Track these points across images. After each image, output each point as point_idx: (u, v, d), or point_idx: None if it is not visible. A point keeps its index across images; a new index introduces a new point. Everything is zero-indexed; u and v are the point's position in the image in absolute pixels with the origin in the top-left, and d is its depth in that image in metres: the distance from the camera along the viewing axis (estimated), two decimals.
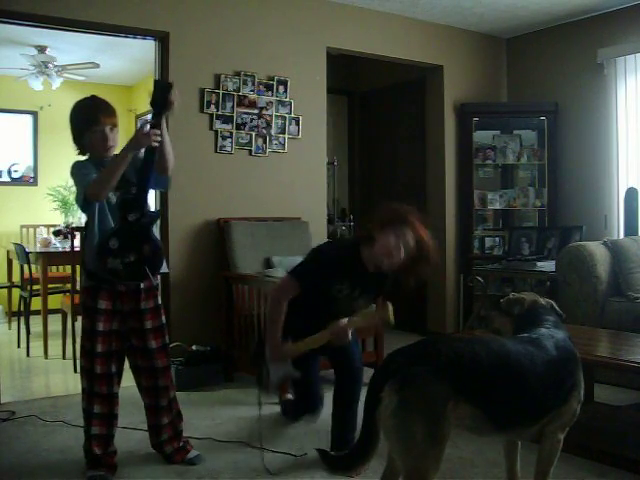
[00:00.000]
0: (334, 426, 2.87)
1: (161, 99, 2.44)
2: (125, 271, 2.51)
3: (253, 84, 4.56)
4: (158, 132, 2.46)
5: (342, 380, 2.87)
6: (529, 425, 2.09)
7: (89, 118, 2.60)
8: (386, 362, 1.93)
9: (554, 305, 2.36)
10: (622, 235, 4.80)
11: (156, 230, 2.64)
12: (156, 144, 2.47)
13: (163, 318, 2.75)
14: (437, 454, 1.86)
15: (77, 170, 2.58)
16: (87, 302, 2.64)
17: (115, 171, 2.46)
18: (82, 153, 2.66)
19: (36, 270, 5.30)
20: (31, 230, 6.70)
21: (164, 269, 2.69)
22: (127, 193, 2.56)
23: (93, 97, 2.76)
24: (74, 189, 2.62)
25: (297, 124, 4.75)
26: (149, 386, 2.72)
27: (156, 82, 2.53)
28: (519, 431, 2.12)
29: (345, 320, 2.67)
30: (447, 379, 1.83)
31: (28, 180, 7.19)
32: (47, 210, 6.79)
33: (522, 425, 2.08)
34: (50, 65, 6.17)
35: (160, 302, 2.77)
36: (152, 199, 4.17)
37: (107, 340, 2.61)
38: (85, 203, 2.54)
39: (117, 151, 2.58)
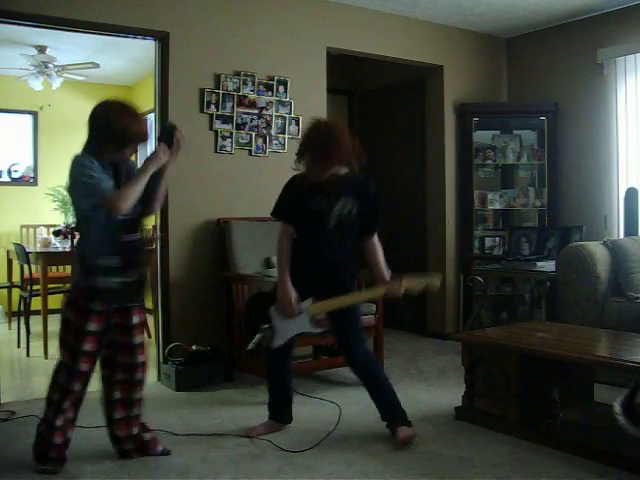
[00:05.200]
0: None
1: (168, 138, 2.68)
2: (123, 290, 2.60)
3: (253, 84, 4.56)
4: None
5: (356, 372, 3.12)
6: None
7: (140, 137, 2.63)
8: None
9: None
10: (622, 235, 4.80)
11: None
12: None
13: (145, 314, 2.83)
14: None
15: (82, 169, 2.53)
16: (80, 301, 2.63)
17: (140, 187, 2.54)
18: (93, 151, 2.60)
19: (36, 270, 5.31)
20: (31, 230, 6.70)
21: None
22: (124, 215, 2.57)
23: (136, 112, 2.66)
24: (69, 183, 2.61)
25: (297, 124, 4.75)
26: (126, 379, 2.75)
27: (164, 124, 2.91)
28: None
29: (398, 280, 2.90)
30: None
31: (28, 180, 7.19)
32: (47, 210, 6.79)
33: None
34: (50, 65, 6.17)
35: (144, 319, 2.84)
36: None
37: (96, 340, 2.64)
38: (97, 207, 2.54)
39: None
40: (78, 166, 2.53)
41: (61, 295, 5.20)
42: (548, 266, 4.54)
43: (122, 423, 2.78)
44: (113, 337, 2.72)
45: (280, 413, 3.19)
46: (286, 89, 4.70)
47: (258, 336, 2.99)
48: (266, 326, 2.98)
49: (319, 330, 2.99)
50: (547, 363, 3.11)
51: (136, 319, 2.73)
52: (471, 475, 2.66)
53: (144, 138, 2.64)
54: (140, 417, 2.83)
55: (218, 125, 4.42)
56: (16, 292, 5.62)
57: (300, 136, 3.18)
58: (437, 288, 2.99)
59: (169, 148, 2.64)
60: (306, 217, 2.98)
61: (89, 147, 2.60)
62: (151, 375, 3.78)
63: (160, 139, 2.68)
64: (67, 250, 5.00)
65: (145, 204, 2.67)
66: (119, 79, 7.29)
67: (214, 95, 4.40)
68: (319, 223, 2.96)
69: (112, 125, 2.53)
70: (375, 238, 3.08)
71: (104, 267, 2.55)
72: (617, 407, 2.66)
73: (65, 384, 2.64)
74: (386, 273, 3.02)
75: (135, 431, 2.80)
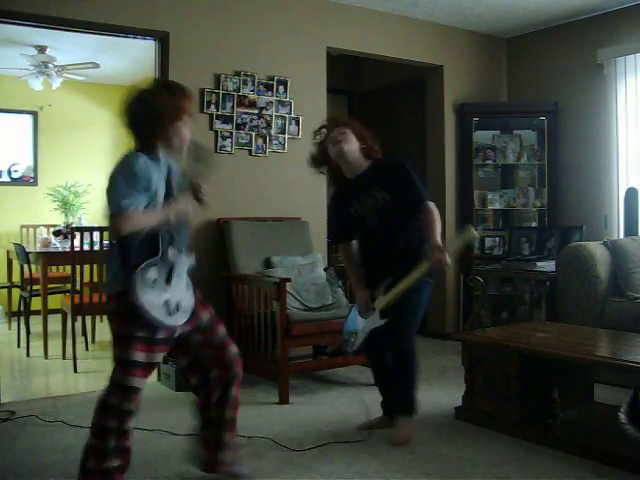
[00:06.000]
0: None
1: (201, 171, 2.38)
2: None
3: (253, 84, 4.56)
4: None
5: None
6: None
7: (181, 106, 2.31)
8: None
9: None
10: (622, 235, 4.80)
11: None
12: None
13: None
14: None
15: (134, 170, 2.21)
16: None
17: (151, 221, 2.23)
18: (143, 148, 2.30)
19: (36, 270, 5.31)
20: (31, 230, 6.70)
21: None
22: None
23: (172, 86, 2.41)
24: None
25: (297, 124, 4.75)
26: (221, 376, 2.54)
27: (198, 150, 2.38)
28: None
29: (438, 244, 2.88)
30: None
31: (28, 180, 7.18)
32: (47, 210, 6.78)
33: None
34: (50, 65, 6.17)
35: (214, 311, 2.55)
36: None
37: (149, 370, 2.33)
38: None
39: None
40: (124, 167, 2.24)
41: (61, 295, 5.21)
42: (548, 266, 4.54)
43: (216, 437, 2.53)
44: (194, 342, 2.47)
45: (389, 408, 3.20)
46: (286, 89, 4.70)
47: (340, 340, 3.12)
48: (352, 332, 3.09)
49: (383, 322, 2.99)
50: (547, 363, 3.11)
51: (204, 318, 2.48)
52: (471, 475, 2.65)
53: (186, 112, 2.31)
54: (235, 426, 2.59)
55: (218, 125, 4.42)
56: (16, 292, 5.62)
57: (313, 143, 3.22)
58: (476, 238, 3.26)
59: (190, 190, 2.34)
60: (353, 225, 3.12)
61: (137, 144, 2.33)
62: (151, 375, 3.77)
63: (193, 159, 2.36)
64: (67, 250, 4.98)
65: None
66: (119, 79, 7.29)
67: (214, 95, 4.40)
68: (364, 226, 3.06)
69: (150, 102, 2.29)
70: (428, 206, 3.01)
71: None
72: (622, 417, 2.66)
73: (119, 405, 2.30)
74: (439, 242, 2.91)
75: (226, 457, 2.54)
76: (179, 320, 2.32)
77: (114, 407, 2.24)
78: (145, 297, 2.19)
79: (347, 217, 3.11)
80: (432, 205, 3.03)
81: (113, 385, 2.27)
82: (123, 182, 2.19)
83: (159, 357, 2.37)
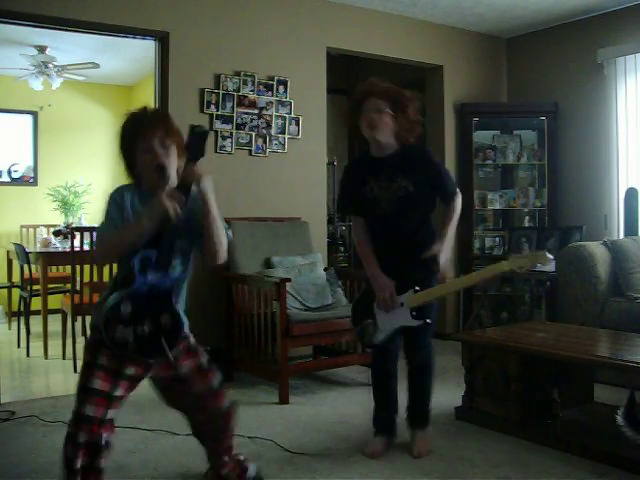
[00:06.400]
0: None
1: (198, 147, 2.16)
2: (136, 344, 2.06)
3: (253, 84, 4.56)
4: (182, 199, 2.08)
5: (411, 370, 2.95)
6: None
7: (133, 132, 2.12)
8: None
9: None
10: (622, 235, 4.80)
11: (183, 293, 2.25)
12: (173, 215, 2.05)
13: (216, 379, 2.39)
14: None
15: (110, 201, 2.13)
16: (85, 355, 2.18)
17: (124, 237, 2.07)
18: (139, 182, 2.18)
19: (36, 270, 5.31)
20: (31, 230, 6.70)
21: (188, 328, 2.31)
22: (152, 248, 2.08)
23: (143, 109, 2.20)
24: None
25: (297, 124, 4.75)
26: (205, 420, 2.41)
27: (193, 129, 2.15)
28: None
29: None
30: None
31: (28, 180, 7.18)
32: (47, 210, 6.79)
33: None
34: (50, 65, 6.17)
35: (206, 362, 2.40)
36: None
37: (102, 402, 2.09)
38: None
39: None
40: (108, 199, 2.15)
41: (61, 295, 5.21)
42: (548, 266, 4.54)
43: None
44: (169, 387, 2.34)
45: (389, 425, 2.95)
46: (286, 89, 4.70)
47: (357, 329, 2.85)
48: (369, 321, 2.81)
49: (418, 323, 2.74)
50: (547, 363, 3.11)
51: (186, 366, 2.30)
52: (471, 475, 2.65)
53: (160, 168, 2.10)
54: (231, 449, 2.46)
55: (218, 125, 4.42)
56: (16, 292, 5.62)
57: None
58: (548, 262, 2.54)
59: (197, 160, 2.14)
60: (363, 205, 2.84)
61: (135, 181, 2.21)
62: None
63: (187, 148, 2.14)
64: (67, 250, 4.99)
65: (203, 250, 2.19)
66: (119, 79, 7.29)
67: (214, 95, 4.40)
68: (375, 212, 2.80)
69: (120, 147, 2.15)
70: (451, 205, 2.80)
71: (114, 314, 2.06)
72: (620, 419, 2.66)
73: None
74: (437, 248, 2.72)
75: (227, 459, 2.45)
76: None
77: None
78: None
79: (360, 195, 2.82)
80: (457, 206, 2.81)
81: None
82: (105, 210, 2.14)
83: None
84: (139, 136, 2.11)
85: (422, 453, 2.84)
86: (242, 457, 2.50)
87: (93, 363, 2.10)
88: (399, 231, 2.79)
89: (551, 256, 2.54)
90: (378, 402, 2.99)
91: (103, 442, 2.08)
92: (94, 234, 4.53)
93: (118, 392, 2.11)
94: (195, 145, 2.14)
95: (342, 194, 2.97)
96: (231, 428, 2.41)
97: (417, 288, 2.74)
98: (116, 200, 2.14)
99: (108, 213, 2.13)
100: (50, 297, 5.08)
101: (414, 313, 2.74)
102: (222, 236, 2.18)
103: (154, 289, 2.08)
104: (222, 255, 2.18)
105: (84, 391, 2.08)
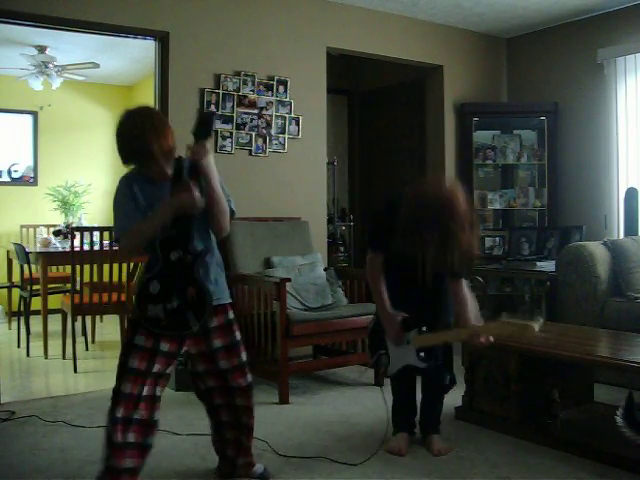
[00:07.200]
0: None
1: (205, 130, 2.29)
2: (167, 319, 2.24)
3: (253, 84, 4.56)
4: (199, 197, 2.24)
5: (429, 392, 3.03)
6: None
7: (139, 149, 2.22)
8: None
9: None
10: (622, 235, 4.80)
11: (212, 267, 2.38)
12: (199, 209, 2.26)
13: (243, 355, 2.48)
14: None
15: (118, 195, 2.31)
16: (127, 334, 2.37)
17: (148, 228, 2.25)
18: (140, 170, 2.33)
19: (36, 270, 5.31)
20: (31, 230, 6.70)
21: (227, 300, 2.45)
22: (171, 228, 2.26)
23: (139, 111, 2.30)
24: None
25: (297, 124, 4.75)
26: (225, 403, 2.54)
27: (201, 112, 2.34)
28: None
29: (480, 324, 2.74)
30: None
31: (28, 180, 7.18)
32: (47, 210, 6.79)
33: None
34: (50, 65, 6.17)
35: (239, 338, 2.47)
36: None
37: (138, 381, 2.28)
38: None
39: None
40: (115, 193, 2.32)
41: (61, 295, 5.21)
42: (548, 266, 4.54)
43: (233, 445, 2.56)
44: (197, 367, 2.47)
45: (408, 424, 3.04)
46: (286, 89, 4.70)
47: (373, 360, 2.93)
48: (383, 352, 2.88)
49: (424, 365, 2.76)
50: (547, 363, 3.11)
51: (218, 343, 2.41)
52: (471, 475, 2.65)
53: (150, 154, 2.20)
54: (249, 449, 2.57)
55: (218, 125, 4.41)
56: (16, 292, 5.62)
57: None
58: (534, 335, 2.49)
59: (205, 141, 2.25)
60: (390, 245, 2.72)
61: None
62: None
63: (195, 133, 2.26)
64: (67, 250, 4.99)
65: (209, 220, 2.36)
66: (119, 79, 7.30)
67: (214, 95, 4.40)
68: (402, 258, 2.69)
69: (117, 141, 2.26)
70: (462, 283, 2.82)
71: (144, 295, 2.26)
72: (619, 420, 2.66)
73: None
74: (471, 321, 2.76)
75: (241, 462, 2.56)
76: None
77: None
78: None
79: (390, 236, 2.67)
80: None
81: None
82: (114, 210, 2.32)
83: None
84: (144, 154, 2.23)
85: (442, 451, 2.88)
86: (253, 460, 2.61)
87: (131, 343, 2.29)
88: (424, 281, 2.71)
89: (538, 328, 2.44)
90: (397, 401, 3.05)
91: (138, 417, 2.29)
92: (94, 234, 4.54)
93: (155, 369, 2.30)
94: (202, 126, 2.29)
95: (376, 233, 2.91)
96: (250, 411, 2.52)
97: (424, 329, 2.74)
98: (126, 193, 2.29)
99: (123, 209, 2.29)
100: (50, 297, 5.08)
101: (422, 354, 2.74)
102: (225, 212, 2.35)
103: (178, 265, 2.25)
104: (226, 228, 2.37)
105: (122, 369, 2.28)
